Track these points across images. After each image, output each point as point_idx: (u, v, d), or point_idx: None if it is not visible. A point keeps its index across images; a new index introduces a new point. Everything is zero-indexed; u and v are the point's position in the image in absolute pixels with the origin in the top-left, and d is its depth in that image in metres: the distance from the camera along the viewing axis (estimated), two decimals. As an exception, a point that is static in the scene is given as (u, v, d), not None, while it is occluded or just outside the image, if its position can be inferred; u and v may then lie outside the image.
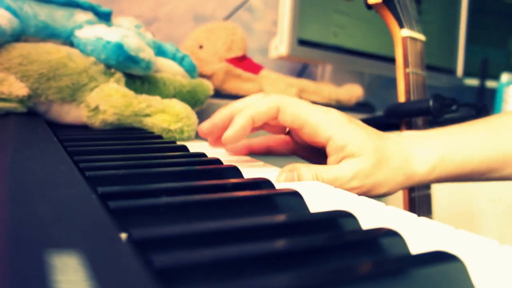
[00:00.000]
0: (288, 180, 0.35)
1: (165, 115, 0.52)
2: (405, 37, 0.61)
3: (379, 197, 0.41)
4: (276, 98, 0.38)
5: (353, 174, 0.37)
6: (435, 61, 1.21)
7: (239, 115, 0.37)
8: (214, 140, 0.43)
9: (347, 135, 0.38)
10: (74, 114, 0.52)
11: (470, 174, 0.44)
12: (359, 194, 0.37)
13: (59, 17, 0.54)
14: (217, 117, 0.40)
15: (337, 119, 0.38)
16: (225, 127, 0.39)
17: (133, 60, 0.52)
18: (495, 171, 0.45)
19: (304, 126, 0.38)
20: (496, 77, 1.30)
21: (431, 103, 0.54)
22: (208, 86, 0.66)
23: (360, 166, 0.37)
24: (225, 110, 0.41)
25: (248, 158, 0.43)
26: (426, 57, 0.64)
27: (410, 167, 0.41)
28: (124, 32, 0.53)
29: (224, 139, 0.37)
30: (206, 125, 0.41)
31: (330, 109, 0.40)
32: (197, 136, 0.56)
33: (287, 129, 0.45)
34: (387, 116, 0.61)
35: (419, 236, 0.22)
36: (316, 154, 0.44)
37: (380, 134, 0.41)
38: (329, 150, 0.38)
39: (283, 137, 0.47)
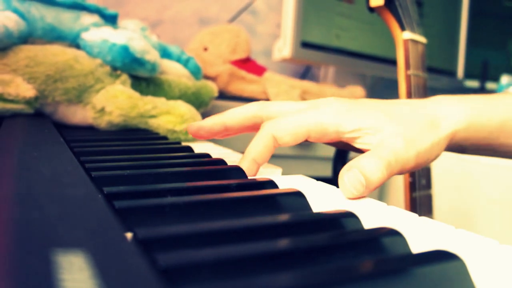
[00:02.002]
0: (356, 184, 0.30)
1: (170, 116, 0.52)
2: (406, 39, 0.61)
3: (428, 164, 0.38)
4: (267, 130, 0.36)
5: (402, 143, 0.34)
6: (436, 63, 1.22)
7: (241, 161, 0.36)
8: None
9: (353, 118, 0.35)
10: (80, 115, 0.53)
11: (496, 138, 0.42)
12: (416, 166, 0.35)
13: (65, 19, 0.55)
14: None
15: (334, 110, 0.36)
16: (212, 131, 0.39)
17: (138, 62, 0.53)
18: None
19: (308, 135, 0.36)
20: (496, 78, 1.31)
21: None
22: (213, 88, 0.66)
23: (398, 133, 0.35)
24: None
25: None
26: (427, 59, 0.64)
27: (437, 128, 0.38)
28: (130, 35, 0.53)
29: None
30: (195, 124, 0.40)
31: (322, 103, 0.37)
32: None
33: None
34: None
35: (420, 235, 0.22)
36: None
37: (390, 101, 0.38)
38: (345, 139, 0.36)
39: None
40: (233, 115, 0.39)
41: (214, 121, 0.39)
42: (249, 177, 0.34)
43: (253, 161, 0.35)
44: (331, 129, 0.35)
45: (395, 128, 0.35)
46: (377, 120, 0.35)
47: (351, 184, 0.30)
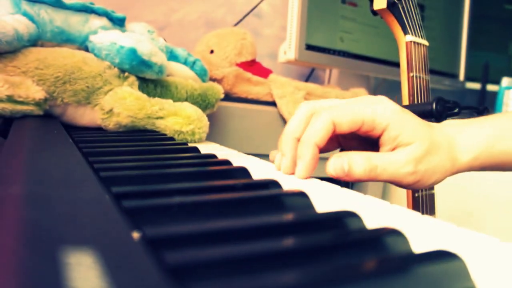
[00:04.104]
0: (338, 169, 0.35)
1: (177, 118, 0.52)
2: (409, 42, 0.61)
3: (428, 187, 0.40)
4: (327, 115, 0.37)
5: (407, 158, 0.37)
6: (438, 66, 1.22)
7: (303, 147, 0.36)
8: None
9: (401, 124, 0.38)
10: (89, 116, 0.54)
11: None
12: (413, 184, 0.38)
13: (74, 22, 0.56)
14: (284, 149, 0.38)
15: (391, 109, 0.38)
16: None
17: (146, 64, 0.54)
18: None
19: (361, 127, 0.38)
20: (497, 81, 1.31)
21: (434, 106, 0.55)
22: (219, 90, 0.66)
23: (414, 152, 0.38)
24: (285, 140, 0.39)
25: (256, 159, 0.44)
26: (429, 62, 0.64)
27: (455, 154, 0.41)
28: (138, 37, 0.54)
29: (299, 176, 0.36)
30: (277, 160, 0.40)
31: (379, 98, 0.39)
32: (208, 138, 0.57)
33: None
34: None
35: (422, 234, 0.22)
36: (362, 144, 0.44)
37: (426, 122, 0.41)
38: (383, 140, 0.38)
39: None
40: (290, 126, 0.38)
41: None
42: (254, 178, 0.34)
43: (315, 145, 0.36)
44: (382, 125, 0.37)
45: (416, 146, 0.38)
46: (416, 137, 0.38)
47: (334, 166, 0.36)
